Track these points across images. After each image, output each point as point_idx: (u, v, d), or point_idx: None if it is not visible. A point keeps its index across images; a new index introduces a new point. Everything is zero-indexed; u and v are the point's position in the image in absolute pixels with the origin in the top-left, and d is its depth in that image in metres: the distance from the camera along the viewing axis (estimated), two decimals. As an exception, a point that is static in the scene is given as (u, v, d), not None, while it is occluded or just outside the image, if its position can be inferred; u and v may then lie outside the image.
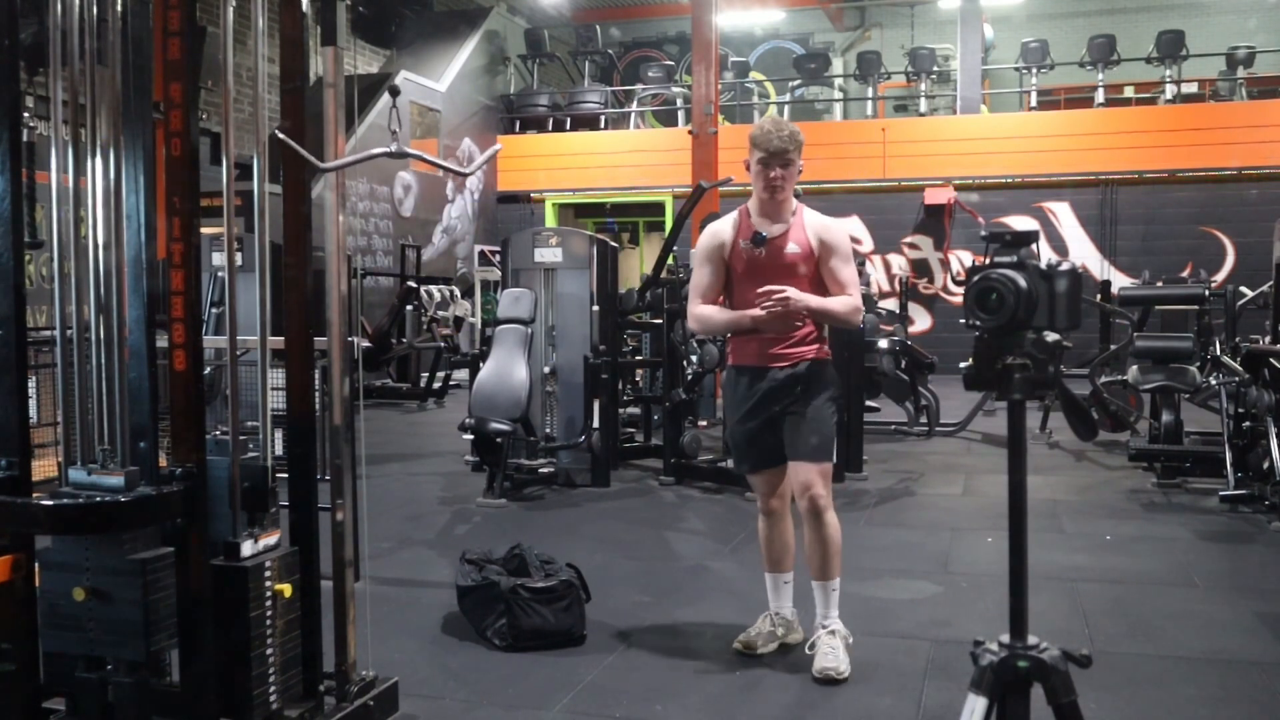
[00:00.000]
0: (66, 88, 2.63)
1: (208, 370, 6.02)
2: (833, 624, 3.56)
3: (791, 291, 3.41)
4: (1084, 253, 14.46)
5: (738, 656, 3.68)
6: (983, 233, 2.19)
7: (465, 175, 4.15)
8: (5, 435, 2.60)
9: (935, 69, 15.90)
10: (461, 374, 11.77)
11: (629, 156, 16.26)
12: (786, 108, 16.98)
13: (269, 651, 2.67)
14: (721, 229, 3.64)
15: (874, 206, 15.28)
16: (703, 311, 3.64)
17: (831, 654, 3.48)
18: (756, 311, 3.45)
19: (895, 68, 16.51)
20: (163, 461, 2.59)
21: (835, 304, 3.51)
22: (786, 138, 3.47)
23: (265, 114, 2.95)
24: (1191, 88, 15.37)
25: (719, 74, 12.40)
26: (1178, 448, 6.84)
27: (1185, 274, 13.05)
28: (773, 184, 3.50)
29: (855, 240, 14.87)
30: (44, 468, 3.80)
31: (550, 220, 16.63)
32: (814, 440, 3.54)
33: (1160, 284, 9.45)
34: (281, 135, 2.80)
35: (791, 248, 3.52)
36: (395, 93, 3.48)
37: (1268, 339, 6.80)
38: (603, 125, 17.00)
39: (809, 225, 3.55)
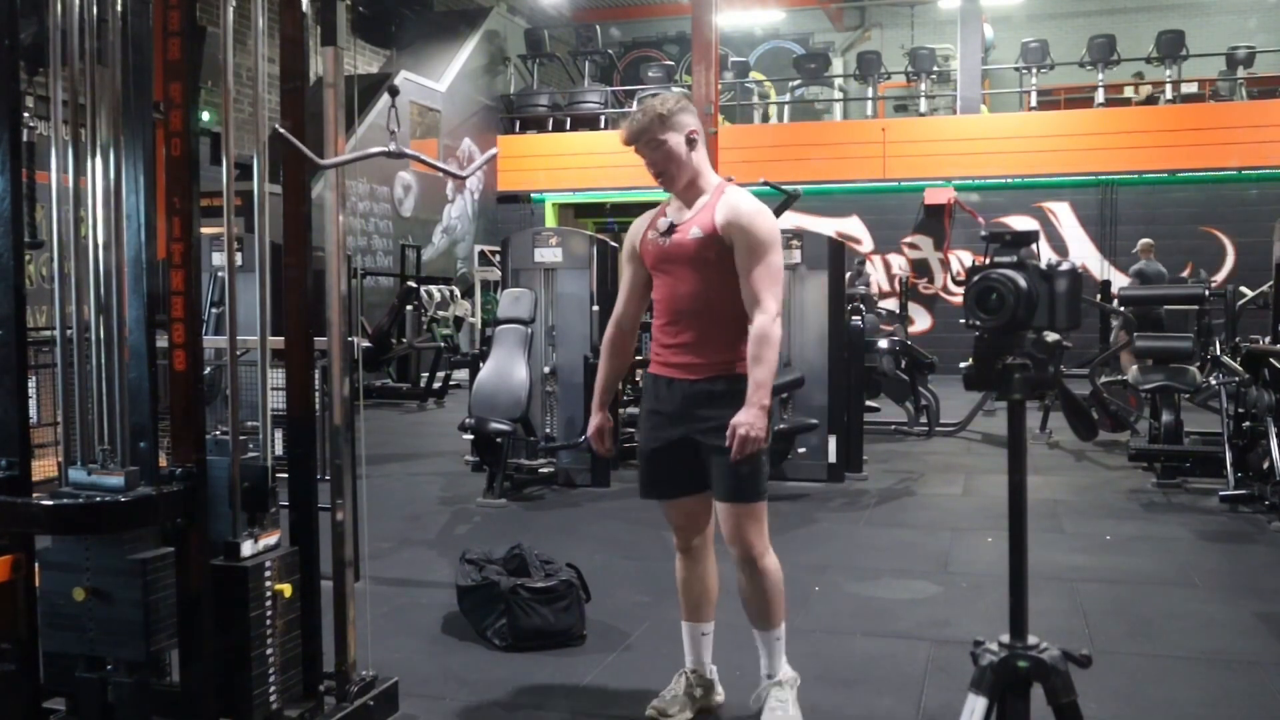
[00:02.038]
0: (66, 88, 2.63)
1: (208, 370, 6.02)
2: (779, 674, 3.14)
3: (743, 424, 2.81)
4: (1084, 253, 14.47)
5: (736, 655, 3.67)
6: (983, 233, 2.19)
7: (461, 178, 4.13)
8: (5, 435, 2.61)
9: (935, 69, 15.90)
10: (461, 374, 11.77)
11: (629, 156, 15.96)
12: (786, 108, 16.98)
13: (269, 651, 2.67)
14: (636, 224, 3.18)
15: (874, 206, 15.29)
16: (603, 341, 3.26)
17: (780, 708, 3.08)
18: (591, 425, 3.15)
19: (895, 68, 16.51)
20: (163, 461, 2.59)
21: (759, 371, 2.86)
22: (639, 117, 2.98)
23: (265, 114, 2.95)
24: (1191, 88, 15.37)
25: (719, 74, 12.40)
26: (1178, 448, 6.84)
27: (1185, 274, 13.06)
28: (655, 173, 3.03)
29: (853, 240, 14.87)
30: (44, 468, 3.79)
31: (550, 220, 16.63)
32: (737, 474, 2.95)
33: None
34: (282, 130, 2.80)
35: (694, 232, 2.95)
36: (394, 93, 3.48)
37: (1268, 339, 6.80)
38: (603, 125, 16.99)
39: (721, 204, 2.96)
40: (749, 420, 2.82)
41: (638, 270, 3.14)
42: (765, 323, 2.86)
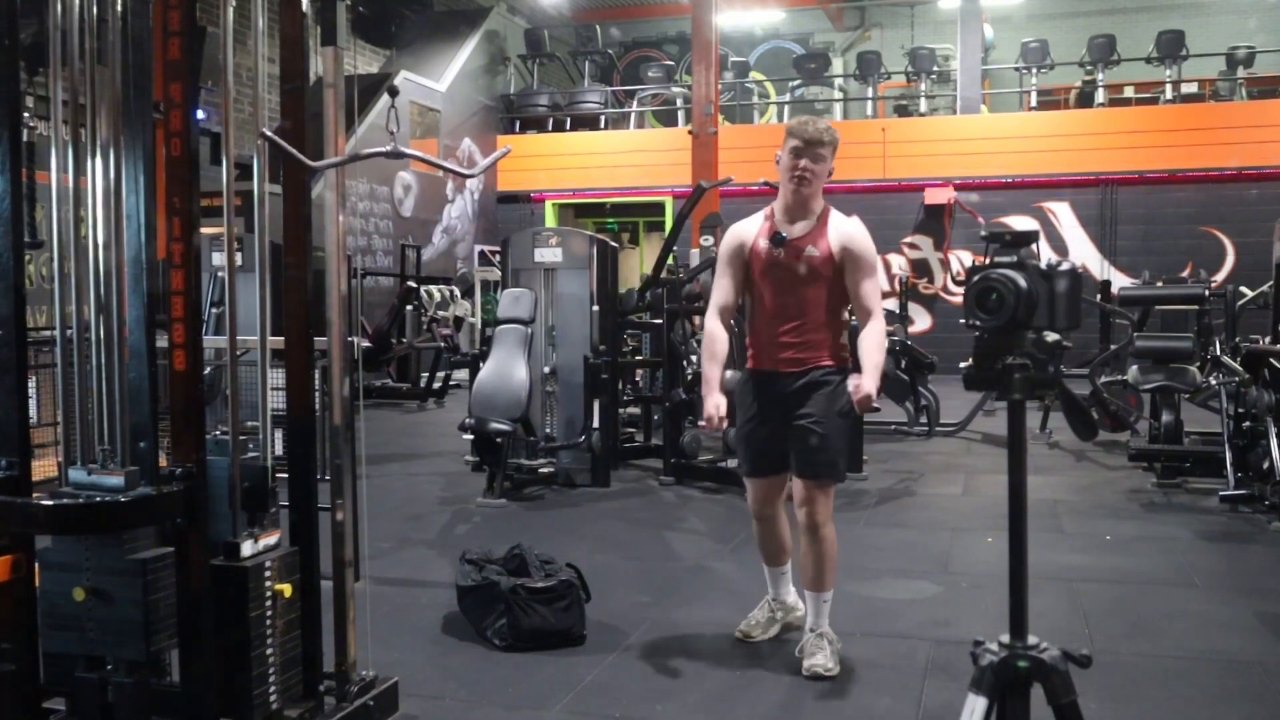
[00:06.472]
0: (66, 88, 2.63)
1: (208, 370, 6.02)
2: (821, 629, 3.57)
3: (866, 386, 3.38)
4: (1084, 253, 14.46)
5: (737, 656, 3.69)
6: (983, 233, 2.19)
7: (469, 176, 4.12)
8: (5, 435, 2.60)
9: (935, 69, 15.90)
10: (461, 374, 11.77)
11: (629, 156, 16.26)
12: (786, 108, 16.98)
13: (269, 651, 2.67)
14: (742, 229, 3.61)
15: (874, 206, 15.25)
16: (707, 331, 3.67)
17: (819, 653, 3.50)
18: (710, 405, 3.50)
19: (895, 68, 16.50)
20: (163, 461, 2.59)
21: (877, 356, 3.44)
22: (824, 130, 3.46)
23: (265, 114, 2.94)
24: (1191, 88, 15.37)
25: (719, 74, 12.41)
26: (1178, 448, 6.84)
27: (1185, 274, 13.05)
28: (799, 174, 3.43)
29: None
30: (44, 468, 3.79)
31: (550, 220, 16.63)
32: (821, 458, 3.49)
33: (1160, 284, 9.45)
34: (270, 134, 2.79)
35: (811, 251, 3.46)
36: (394, 93, 3.47)
37: (1268, 339, 6.80)
38: (603, 125, 17.00)
39: (833, 229, 3.49)
40: (869, 386, 3.39)
41: (738, 269, 3.61)
42: (880, 326, 3.48)
